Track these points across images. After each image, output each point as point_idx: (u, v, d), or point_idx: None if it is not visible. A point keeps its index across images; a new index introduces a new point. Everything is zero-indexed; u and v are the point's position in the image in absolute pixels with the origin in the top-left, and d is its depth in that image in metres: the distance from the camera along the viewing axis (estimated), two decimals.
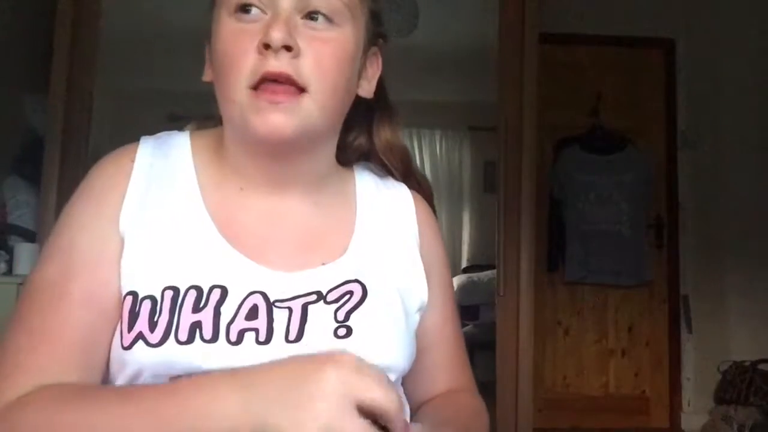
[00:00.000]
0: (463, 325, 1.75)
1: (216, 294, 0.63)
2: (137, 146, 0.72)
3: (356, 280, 0.69)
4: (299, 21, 0.66)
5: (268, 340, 0.62)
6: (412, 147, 6.08)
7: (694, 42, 3.58)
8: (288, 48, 0.64)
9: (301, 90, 0.65)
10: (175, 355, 0.60)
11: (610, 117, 3.50)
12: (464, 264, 5.82)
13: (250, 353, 0.61)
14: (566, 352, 3.49)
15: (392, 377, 0.68)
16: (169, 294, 0.62)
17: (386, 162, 0.83)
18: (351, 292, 0.68)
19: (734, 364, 3.30)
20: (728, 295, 3.51)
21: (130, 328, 0.62)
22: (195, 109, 0.83)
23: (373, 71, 0.77)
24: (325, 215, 0.74)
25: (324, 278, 0.68)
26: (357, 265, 0.70)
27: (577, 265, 3.44)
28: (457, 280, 4.85)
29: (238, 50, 0.65)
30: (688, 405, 3.47)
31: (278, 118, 0.64)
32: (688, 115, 3.59)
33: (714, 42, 3.56)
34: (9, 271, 2.36)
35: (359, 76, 0.74)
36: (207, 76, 0.72)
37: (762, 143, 3.51)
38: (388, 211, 0.78)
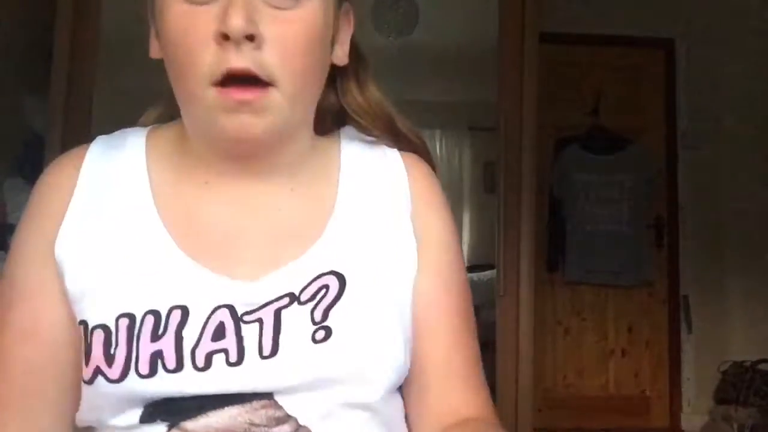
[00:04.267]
0: None
1: (176, 316, 0.57)
2: (86, 150, 0.66)
3: (332, 272, 0.61)
4: (260, 1, 0.57)
5: (240, 361, 0.56)
6: None
7: (694, 42, 3.58)
8: (250, 37, 0.56)
9: (269, 83, 0.58)
10: (139, 389, 0.56)
11: (610, 117, 3.50)
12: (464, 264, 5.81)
13: (221, 376, 0.56)
14: (566, 352, 3.49)
15: (385, 383, 0.60)
16: (124, 323, 0.57)
17: (364, 125, 0.72)
18: (326, 287, 0.60)
19: (734, 364, 3.30)
20: (728, 295, 3.51)
21: (87, 362, 0.57)
22: None
23: (346, 33, 0.68)
24: (302, 199, 0.65)
25: (296, 275, 0.60)
26: (333, 252, 0.62)
27: (577, 265, 3.44)
28: None
29: (193, 41, 0.56)
30: (688, 405, 3.47)
31: (248, 120, 0.57)
32: (688, 115, 3.59)
33: (714, 42, 3.56)
34: None
35: (332, 44, 0.65)
36: (154, 53, 0.64)
37: (762, 143, 3.50)
38: (377, 182, 0.68)
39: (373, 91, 0.72)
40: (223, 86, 0.56)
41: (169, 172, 0.65)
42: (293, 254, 0.61)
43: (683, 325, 3.51)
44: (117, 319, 0.57)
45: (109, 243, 0.61)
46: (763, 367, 3.20)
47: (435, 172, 0.74)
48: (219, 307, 0.58)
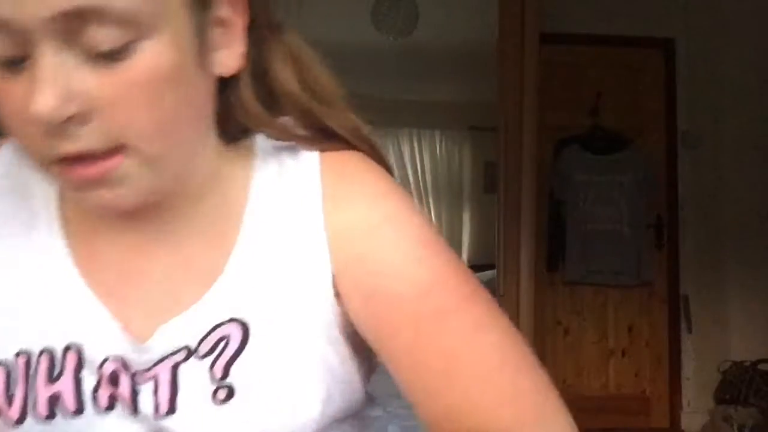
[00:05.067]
0: None
1: (72, 356, 0.52)
2: None
3: (233, 320, 0.52)
4: (75, 59, 0.43)
5: (135, 414, 0.52)
6: (412, 147, 6.09)
7: (694, 42, 3.58)
8: (72, 117, 0.43)
9: (118, 149, 0.46)
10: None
11: (610, 117, 3.50)
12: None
13: (123, 422, 0.51)
14: (566, 352, 3.49)
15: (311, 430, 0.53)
16: (22, 360, 0.52)
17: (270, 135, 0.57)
18: (226, 338, 0.52)
19: (734, 364, 3.30)
20: (728, 295, 3.51)
21: None
22: None
23: (233, 32, 0.51)
24: (204, 233, 0.54)
25: (193, 324, 0.52)
26: (234, 296, 0.53)
27: (577, 265, 3.44)
28: None
29: (14, 118, 0.45)
30: (688, 405, 3.47)
31: (105, 194, 0.47)
32: (688, 115, 3.59)
33: (714, 42, 3.56)
34: None
35: (207, 56, 0.50)
36: None
37: (762, 143, 3.51)
38: (286, 201, 0.54)
39: (285, 84, 0.55)
40: (63, 162, 0.46)
41: None
42: (191, 298, 0.53)
43: (683, 325, 3.51)
44: (16, 356, 0.52)
45: (8, 266, 0.54)
46: (763, 367, 3.21)
47: (389, 171, 0.58)
48: (112, 358, 0.52)
